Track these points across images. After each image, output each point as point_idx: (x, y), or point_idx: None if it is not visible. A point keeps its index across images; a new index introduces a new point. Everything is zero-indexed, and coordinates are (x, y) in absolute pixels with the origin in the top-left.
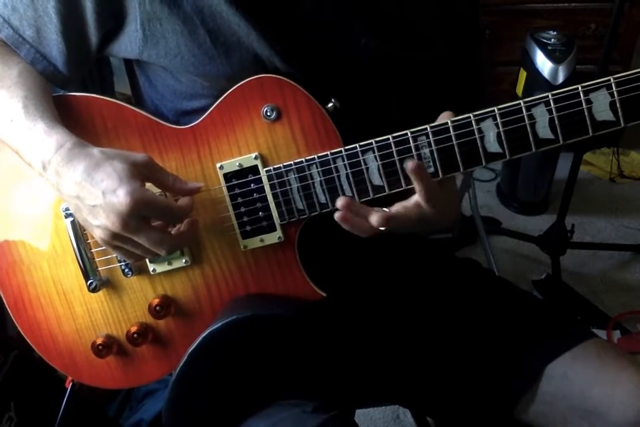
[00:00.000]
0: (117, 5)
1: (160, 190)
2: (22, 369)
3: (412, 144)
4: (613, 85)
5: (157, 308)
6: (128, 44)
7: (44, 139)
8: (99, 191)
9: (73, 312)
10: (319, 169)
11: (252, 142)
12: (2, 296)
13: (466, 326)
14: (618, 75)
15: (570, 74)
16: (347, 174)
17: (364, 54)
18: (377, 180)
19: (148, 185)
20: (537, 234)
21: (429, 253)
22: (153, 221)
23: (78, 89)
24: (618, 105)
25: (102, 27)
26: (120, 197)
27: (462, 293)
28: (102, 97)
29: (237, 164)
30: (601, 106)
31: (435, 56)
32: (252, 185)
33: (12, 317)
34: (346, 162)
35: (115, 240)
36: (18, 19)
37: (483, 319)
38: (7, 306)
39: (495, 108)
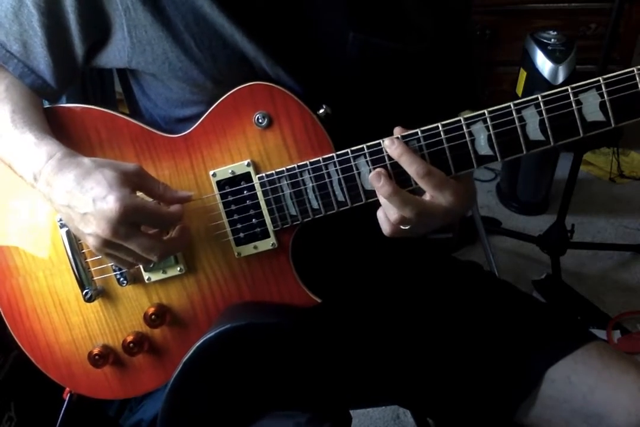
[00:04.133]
0: (100, 15)
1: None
2: (22, 369)
3: None
4: (602, 86)
5: (153, 317)
6: (117, 52)
7: (33, 151)
8: (89, 199)
9: (69, 323)
10: (311, 175)
11: (244, 150)
12: None
13: (467, 329)
14: (607, 75)
15: (570, 74)
16: (339, 180)
17: (352, 51)
18: (369, 185)
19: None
20: (537, 234)
21: (429, 256)
22: (144, 228)
23: (77, 90)
24: (608, 105)
25: (88, 38)
26: (110, 203)
27: (463, 296)
28: (95, 107)
29: (230, 171)
30: (591, 107)
31: (425, 51)
32: (244, 192)
33: (9, 328)
34: (338, 167)
35: (107, 247)
36: (4, 34)
37: (484, 322)
38: (4, 316)
39: (485, 111)
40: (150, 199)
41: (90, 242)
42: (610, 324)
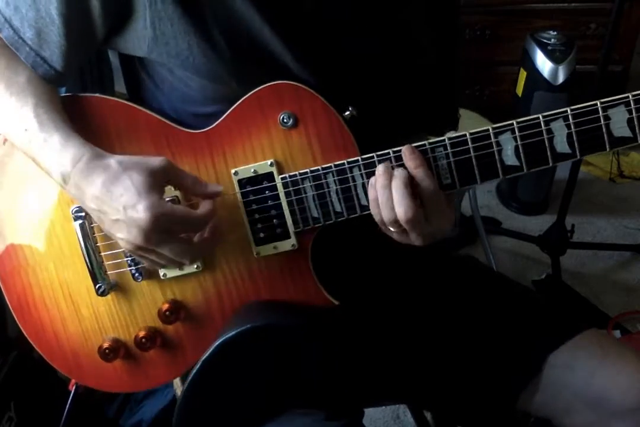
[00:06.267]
0: (123, 2)
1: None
2: (22, 369)
3: (430, 155)
4: (631, 102)
5: (167, 313)
6: (136, 41)
7: (60, 152)
8: (119, 206)
9: (79, 315)
10: (336, 178)
11: (268, 149)
12: (6, 298)
13: (466, 319)
14: (636, 92)
15: (570, 74)
16: (363, 184)
17: (361, 57)
18: None
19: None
20: (537, 234)
21: (428, 250)
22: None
23: (76, 89)
24: (636, 122)
25: (108, 20)
26: (140, 212)
27: (461, 288)
28: (114, 98)
29: (252, 170)
30: (619, 122)
31: (426, 65)
32: (266, 192)
33: (16, 319)
34: (363, 171)
35: (139, 251)
36: (19, 20)
37: (483, 313)
38: (10, 308)
39: (514, 121)
40: None
41: (122, 246)
42: (610, 324)
